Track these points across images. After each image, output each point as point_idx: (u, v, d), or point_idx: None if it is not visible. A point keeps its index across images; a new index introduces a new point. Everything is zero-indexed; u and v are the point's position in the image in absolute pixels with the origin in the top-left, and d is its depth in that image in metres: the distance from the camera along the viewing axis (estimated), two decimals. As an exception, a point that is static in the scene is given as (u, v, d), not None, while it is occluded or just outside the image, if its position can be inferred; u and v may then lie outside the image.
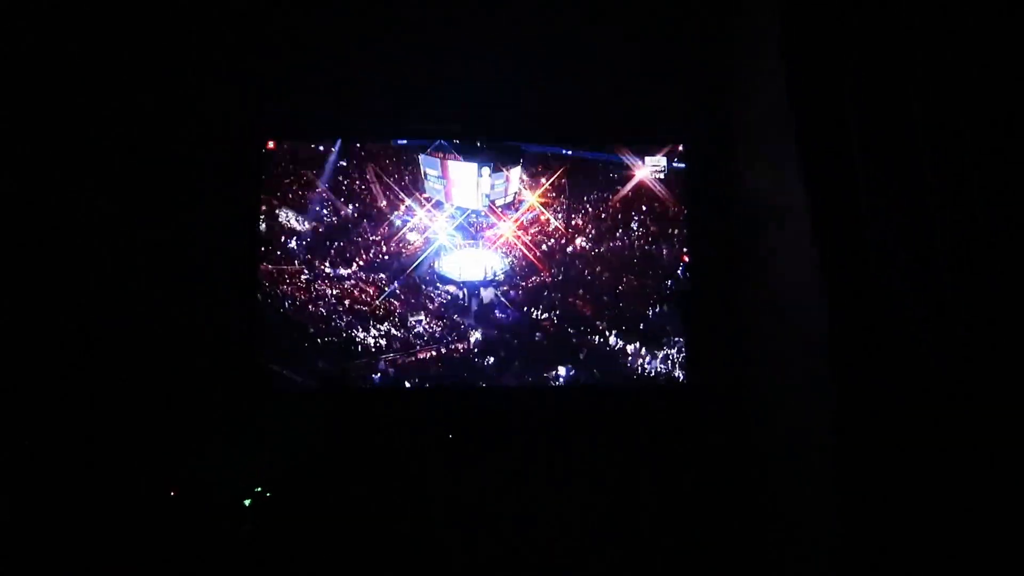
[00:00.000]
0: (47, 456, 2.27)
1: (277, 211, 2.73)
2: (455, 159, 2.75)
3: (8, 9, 2.40)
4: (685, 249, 2.84)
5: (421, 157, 2.75)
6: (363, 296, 2.76)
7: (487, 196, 2.80)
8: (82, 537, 2.22)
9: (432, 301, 2.80)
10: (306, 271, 2.73)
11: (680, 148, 2.85)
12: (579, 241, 2.84)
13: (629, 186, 2.84)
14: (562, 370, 2.80)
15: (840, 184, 1.75)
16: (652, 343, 2.82)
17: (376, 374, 2.74)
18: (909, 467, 1.53)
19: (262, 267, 2.70)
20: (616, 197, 2.85)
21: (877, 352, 1.63)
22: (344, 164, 2.76)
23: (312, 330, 2.72)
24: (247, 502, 2.35)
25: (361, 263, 2.77)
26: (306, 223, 2.75)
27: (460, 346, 2.80)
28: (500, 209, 2.82)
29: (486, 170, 2.77)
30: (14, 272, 2.37)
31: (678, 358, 2.81)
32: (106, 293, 2.53)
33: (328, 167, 2.76)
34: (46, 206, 2.45)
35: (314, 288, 2.73)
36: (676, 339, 2.81)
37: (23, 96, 2.43)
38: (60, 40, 2.49)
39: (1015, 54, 1.39)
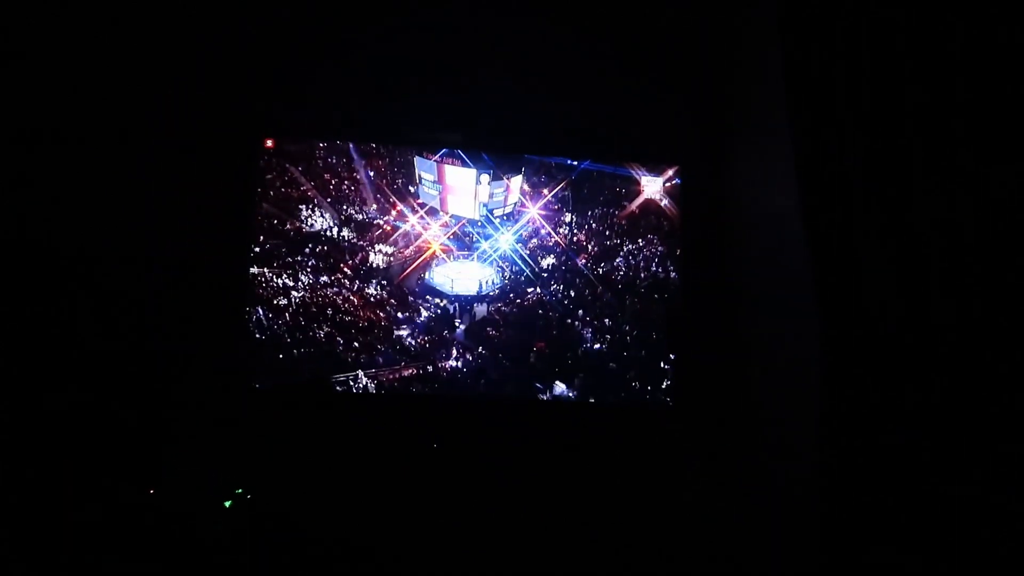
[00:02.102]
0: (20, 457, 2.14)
1: (262, 210, 2.56)
2: (452, 164, 2.59)
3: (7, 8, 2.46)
4: (672, 268, 2.67)
5: (416, 160, 2.59)
6: (346, 305, 2.56)
7: (485, 205, 2.63)
8: (60, 538, 2.10)
9: (420, 314, 2.59)
10: (286, 275, 2.54)
11: (681, 164, 2.70)
12: (581, 258, 2.65)
13: (636, 203, 2.67)
14: (557, 389, 2.58)
15: (835, 205, 1.70)
16: (649, 366, 2.61)
17: (356, 391, 2.52)
18: (897, 494, 1.39)
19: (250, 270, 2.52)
20: (622, 213, 2.67)
21: (869, 373, 1.53)
22: (333, 162, 2.60)
23: (289, 339, 2.52)
24: (227, 504, 2.22)
25: (347, 270, 2.58)
26: (290, 223, 2.57)
27: (448, 364, 2.58)
28: (498, 220, 2.64)
29: (485, 177, 2.60)
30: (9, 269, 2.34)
31: (670, 382, 2.61)
32: (92, 291, 2.46)
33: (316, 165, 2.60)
34: (39, 203, 2.44)
35: (294, 294, 2.54)
36: (668, 363, 2.61)
37: (15, 93, 2.44)
38: (55, 38, 2.50)
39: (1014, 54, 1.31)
